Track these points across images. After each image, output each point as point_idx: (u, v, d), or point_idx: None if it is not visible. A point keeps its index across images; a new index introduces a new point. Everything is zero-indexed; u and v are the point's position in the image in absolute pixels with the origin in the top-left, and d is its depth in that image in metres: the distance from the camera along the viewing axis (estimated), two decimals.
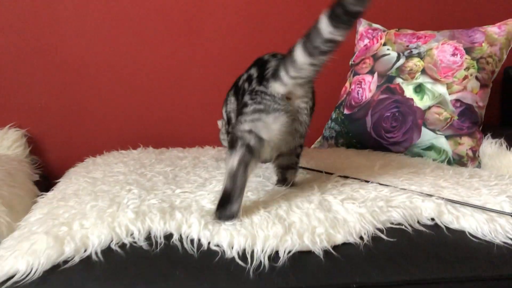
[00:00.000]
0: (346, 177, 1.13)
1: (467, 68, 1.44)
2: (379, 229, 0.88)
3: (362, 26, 1.75)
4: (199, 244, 0.82)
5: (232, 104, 1.23)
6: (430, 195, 0.99)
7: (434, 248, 0.86)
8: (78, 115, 1.82)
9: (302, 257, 0.81)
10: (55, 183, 1.45)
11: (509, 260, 0.83)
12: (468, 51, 1.46)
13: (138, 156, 1.47)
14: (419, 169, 1.25)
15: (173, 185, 1.08)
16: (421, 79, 1.47)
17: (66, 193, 1.10)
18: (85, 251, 0.80)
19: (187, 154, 1.49)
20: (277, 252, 0.80)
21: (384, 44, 1.61)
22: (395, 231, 0.88)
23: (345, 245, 0.84)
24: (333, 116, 1.67)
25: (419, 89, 1.46)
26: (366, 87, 1.57)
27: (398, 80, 1.51)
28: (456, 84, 1.43)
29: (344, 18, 0.82)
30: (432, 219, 0.92)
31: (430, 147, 1.43)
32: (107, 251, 0.80)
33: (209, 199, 0.96)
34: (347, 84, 1.69)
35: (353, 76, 1.64)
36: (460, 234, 0.89)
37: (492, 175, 1.20)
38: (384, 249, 0.84)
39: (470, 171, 1.25)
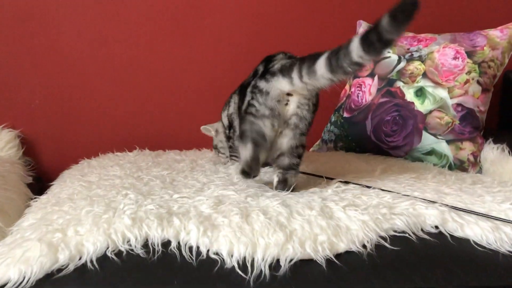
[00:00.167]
0: (347, 182, 1.11)
1: (469, 72, 1.42)
2: (382, 237, 0.85)
3: (363, 28, 1.73)
4: (198, 252, 0.80)
5: (234, 105, 1.21)
6: (434, 202, 0.97)
7: (438, 257, 0.83)
8: (73, 116, 1.79)
9: (304, 266, 0.78)
10: (49, 186, 1.43)
11: None
12: (470, 54, 1.44)
13: (134, 159, 1.45)
14: (421, 175, 1.23)
15: (170, 189, 1.05)
16: (422, 82, 1.45)
17: (61, 197, 1.08)
18: (80, 259, 0.77)
19: (185, 157, 1.47)
20: (278, 261, 0.78)
21: None
22: (398, 239, 0.86)
23: (348, 253, 0.82)
24: (332, 119, 1.65)
25: (420, 92, 1.45)
26: (366, 90, 1.55)
27: (399, 84, 1.49)
28: (458, 88, 1.42)
29: (377, 45, 0.84)
30: (436, 227, 0.90)
31: (431, 152, 1.41)
32: (103, 259, 0.77)
33: (208, 205, 0.94)
34: (347, 87, 1.67)
35: (353, 78, 1.62)
36: (464, 243, 0.87)
37: (495, 181, 1.18)
38: (388, 258, 0.82)
39: (473, 177, 1.23)
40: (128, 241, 0.81)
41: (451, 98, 1.41)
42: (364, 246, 0.83)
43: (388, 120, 1.47)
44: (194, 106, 1.85)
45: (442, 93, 1.42)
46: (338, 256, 0.80)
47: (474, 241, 0.86)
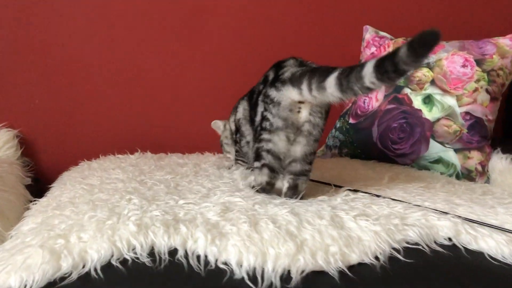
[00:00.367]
0: (356, 190, 1.09)
1: (478, 80, 1.41)
2: (395, 249, 0.83)
3: (369, 33, 1.71)
4: (206, 261, 0.77)
5: (243, 111, 1.19)
6: (446, 213, 0.95)
7: (453, 271, 0.81)
8: (73, 116, 1.76)
9: (315, 278, 0.75)
10: (48, 188, 1.40)
11: None
12: (479, 62, 1.43)
13: (136, 162, 1.42)
14: (429, 184, 1.21)
15: (175, 195, 1.02)
16: (430, 90, 1.44)
17: (61, 200, 1.05)
18: (83, 266, 0.74)
19: (187, 161, 1.44)
20: (289, 272, 0.75)
21: None
22: (411, 252, 0.83)
23: (361, 265, 0.79)
24: (338, 125, 1.63)
25: (428, 100, 1.43)
26: (373, 96, 1.53)
27: (407, 90, 1.47)
28: (466, 97, 1.40)
29: (392, 75, 0.82)
30: (449, 239, 0.87)
31: (438, 160, 1.39)
32: (107, 267, 0.74)
33: (215, 212, 0.91)
34: None
35: None
36: (479, 256, 0.84)
37: (505, 192, 1.16)
38: (402, 271, 0.79)
39: (482, 188, 1.21)
40: (134, 249, 0.78)
41: (459, 106, 1.40)
42: (376, 258, 0.80)
43: (395, 127, 1.45)
44: (196, 109, 1.82)
45: (451, 101, 1.41)
46: (350, 268, 0.78)
47: (488, 255, 0.84)
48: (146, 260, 0.76)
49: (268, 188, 1.03)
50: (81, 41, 1.74)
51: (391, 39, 1.65)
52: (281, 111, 0.99)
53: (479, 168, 1.36)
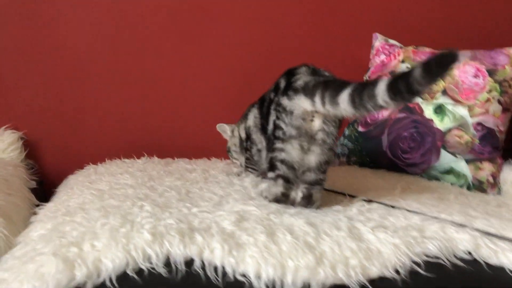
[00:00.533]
0: (370, 201, 1.07)
1: (490, 91, 1.40)
2: (415, 262, 0.81)
3: (378, 41, 1.70)
4: (223, 272, 0.75)
5: (254, 119, 1.18)
6: (464, 226, 0.93)
7: (474, 286, 0.80)
8: (78, 119, 1.73)
9: None
10: (53, 191, 1.37)
11: None
12: (491, 73, 1.42)
13: (144, 167, 1.40)
14: (442, 195, 1.20)
15: (187, 202, 1.00)
16: (441, 99, 1.42)
17: (70, 206, 1.02)
18: (98, 276, 0.72)
19: (195, 167, 1.42)
20: (308, 285, 0.74)
21: (403, 61, 1.56)
22: (431, 265, 0.81)
23: (381, 279, 0.77)
24: (346, 132, 1.62)
25: (440, 110, 1.41)
26: None
27: (418, 99, 1.45)
28: (478, 107, 1.39)
29: (405, 95, 0.81)
30: (469, 253, 0.86)
31: (449, 171, 1.38)
32: (123, 277, 0.72)
33: (230, 220, 0.89)
34: None
35: None
36: (500, 271, 0.83)
37: None
38: (423, 285, 0.78)
39: (496, 200, 1.20)
40: (149, 258, 0.76)
41: (471, 116, 1.39)
42: (396, 271, 0.79)
43: (405, 136, 1.44)
44: (202, 113, 1.80)
45: (462, 111, 1.39)
46: (371, 281, 0.76)
47: (510, 270, 0.82)
48: (162, 270, 0.74)
49: (283, 200, 1.01)
50: (87, 42, 1.71)
51: (401, 47, 1.64)
52: (294, 120, 0.98)
53: (491, 179, 1.34)
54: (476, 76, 1.42)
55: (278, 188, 1.01)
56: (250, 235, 0.83)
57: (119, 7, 1.72)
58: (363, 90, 0.85)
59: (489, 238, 0.89)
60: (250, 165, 1.29)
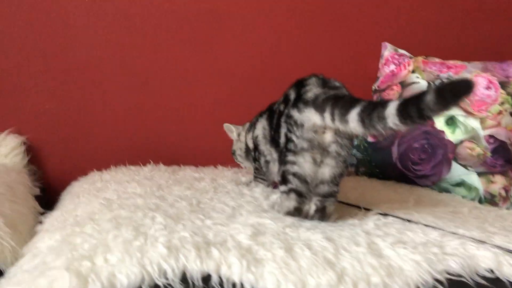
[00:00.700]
0: (386, 214, 1.05)
1: (502, 103, 1.38)
2: (437, 280, 0.79)
3: (388, 50, 1.68)
4: None
5: (263, 130, 1.15)
6: (483, 242, 0.91)
7: None
8: (82, 124, 1.70)
9: None
10: (55, 198, 1.34)
11: None
12: (503, 85, 1.41)
13: (151, 175, 1.37)
14: (456, 208, 1.18)
15: (200, 213, 0.98)
16: (453, 111, 1.41)
17: (78, 215, 1.00)
18: None
19: (203, 175, 1.40)
20: None
21: (413, 72, 1.55)
22: (455, 284, 0.79)
23: None
24: (355, 142, 1.60)
25: (451, 121, 1.40)
26: None
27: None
28: (490, 119, 1.37)
29: (416, 120, 0.78)
30: (491, 271, 0.84)
31: (460, 184, 1.36)
32: None
33: (246, 234, 0.86)
34: None
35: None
36: None
37: None
38: None
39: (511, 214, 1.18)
40: (165, 274, 0.73)
41: (483, 129, 1.37)
42: None
43: (416, 147, 1.42)
44: (208, 119, 1.77)
45: (474, 123, 1.38)
46: None
47: None
48: (178, 287, 0.71)
49: (296, 214, 0.99)
50: (93, 46, 1.69)
51: (410, 57, 1.62)
52: (305, 132, 0.95)
53: (503, 193, 1.33)
54: (488, 88, 1.41)
55: (291, 202, 0.99)
56: (268, 250, 0.80)
57: (127, 13, 1.70)
58: (372, 111, 0.83)
59: (510, 255, 0.87)
60: (259, 175, 1.27)
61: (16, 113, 1.64)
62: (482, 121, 1.38)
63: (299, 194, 0.98)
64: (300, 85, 1.01)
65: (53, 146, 1.67)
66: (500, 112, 1.38)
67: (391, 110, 0.80)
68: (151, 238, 0.81)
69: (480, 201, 1.34)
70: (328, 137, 0.96)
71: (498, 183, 1.33)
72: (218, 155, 1.57)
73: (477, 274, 0.82)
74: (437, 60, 1.57)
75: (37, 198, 1.36)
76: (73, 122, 1.69)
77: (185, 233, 0.84)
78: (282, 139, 1.01)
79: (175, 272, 0.73)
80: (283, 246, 0.82)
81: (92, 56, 1.69)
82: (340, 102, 0.89)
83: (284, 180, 1.00)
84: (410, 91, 1.50)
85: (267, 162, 1.18)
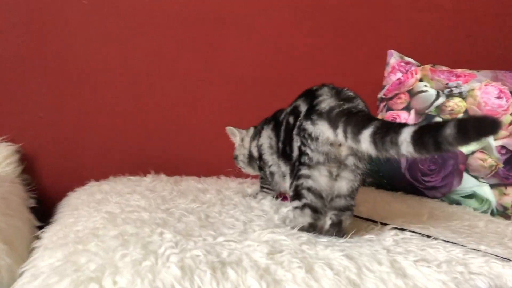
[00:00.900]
0: (403, 229, 1.01)
1: None
2: None
3: (394, 58, 1.65)
4: None
5: (268, 140, 1.11)
6: (508, 260, 0.87)
7: None
8: (79, 132, 1.64)
9: None
10: (50, 210, 1.28)
11: None
12: None
13: (153, 185, 1.31)
14: (471, 222, 1.14)
15: (210, 229, 0.92)
16: None
17: (80, 230, 0.94)
18: None
19: (207, 186, 1.34)
20: None
21: (421, 80, 1.52)
22: None
23: None
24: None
25: None
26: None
27: (438, 120, 1.40)
28: (502, 130, 1.34)
29: (431, 151, 0.74)
30: None
31: (472, 195, 1.33)
32: None
33: (262, 252, 0.81)
34: None
35: (386, 111, 1.54)
36: None
37: None
38: None
39: None
40: None
41: (494, 139, 1.34)
42: None
43: (426, 158, 1.38)
44: (211, 128, 1.72)
45: None
46: None
47: None
48: None
49: (310, 230, 0.94)
50: (90, 51, 1.63)
51: (418, 65, 1.59)
52: (321, 146, 0.90)
53: None
54: (499, 97, 1.38)
55: (305, 218, 0.94)
56: (287, 270, 0.75)
57: (126, 18, 1.65)
58: (385, 135, 0.78)
59: None
60: (265, 185, 1.23)
61: (9, 120, 1.57)
62: None
63: (314, 210, 0.93)
64: (311, 95, 0.97)
65: (49, 155, 1.60)
66: (511, 123, 1.35)
67: (405, 137, 0.75)
68: (162, 258, 0.76)
69: (492, 214, 1.30)
70: (345, 150, 0.91)
71: (511, 195, 1.30)
72: (221, 165, 1.52)
73: None
74: (444, 68, 1.54)
75: (32, 210, 1.29)
76: (69, 130, 1.62)
77: (198, 251, 0.79)
78: (295, 153, 0.96)
79: None
80: (303, 265, 0.77)
81: (89, 61, 1.63)
82: (353, 120, 0.85)
83: (297, 195, 0.95)
84: (418, 100, 1.47)
85: (271, 173, 1.13)
